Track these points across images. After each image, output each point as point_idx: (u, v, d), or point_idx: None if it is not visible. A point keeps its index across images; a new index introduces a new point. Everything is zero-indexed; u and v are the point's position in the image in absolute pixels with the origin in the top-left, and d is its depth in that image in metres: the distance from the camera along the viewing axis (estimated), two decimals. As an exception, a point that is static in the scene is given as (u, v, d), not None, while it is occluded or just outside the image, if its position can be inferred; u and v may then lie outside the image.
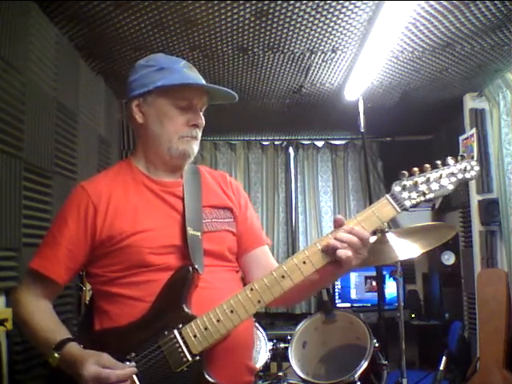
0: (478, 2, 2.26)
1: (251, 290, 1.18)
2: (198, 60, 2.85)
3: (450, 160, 1.20)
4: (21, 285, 1.32)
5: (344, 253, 1.16)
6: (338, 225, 1.21)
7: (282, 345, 2.61)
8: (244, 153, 4.66)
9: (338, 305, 4.10)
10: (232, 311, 1.17)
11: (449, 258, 3.94)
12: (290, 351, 2.56)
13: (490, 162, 3.47)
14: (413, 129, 4.49)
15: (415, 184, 1.19)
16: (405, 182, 1.20)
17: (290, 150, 4.72)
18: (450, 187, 1.20)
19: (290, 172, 4.69)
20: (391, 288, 4.00)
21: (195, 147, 1.34)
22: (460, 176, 1.20)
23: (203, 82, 1.35)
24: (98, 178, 1.36)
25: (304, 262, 1.18)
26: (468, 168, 1.20)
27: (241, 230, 1.41)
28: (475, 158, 3.48)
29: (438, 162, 1.21)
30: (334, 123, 4.27)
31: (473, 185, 3.52)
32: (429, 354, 3.96)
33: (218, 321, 1.17)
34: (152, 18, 2.34)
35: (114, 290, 1.25)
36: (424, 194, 1.19)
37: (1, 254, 1.85)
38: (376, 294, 3.92)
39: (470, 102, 3.59)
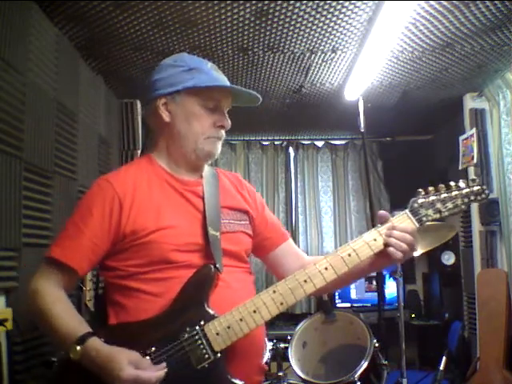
0: (477, 2, 2.26)
1: (274, 292, 1.21)
2: (198, 60, 2.85)
3: (462, 183, 1.31)
4: (37, 274, 1.27)
5: (397, 250, 1.22)
6: (383, 220, 1.27)
7: (282, 345, 2.61)
8: (244, 153, 4.66)
9: (338, 305, 4.11)
10: (255, 311, 1.19)
11: (449, 258, 3.94)
12: (290, 351, 2.56)
13: (490, 161, 3.47)
14: (413, 129, 4.49)
15: (432, 202, 1.28)
16: (422, 200, 1.29)
17: (290, 150, 4.72)
18: (463, 207, 1.29)
19: (290, 172, 4.69)
20: (391, 288, 4.00)
21: (219, 147, 1.38)
22: (472, 198, 1.30)
23: (229, 84, 1.39)
24: (122, 173, 1.35)
25: (326, 268, 1.23)
26: (480, 191, 1.30)
27: (263, 229, 1.45)
28: (475, 158, 3.49)
29: (452, 184, 1.31)
30: (334, 123, 4.27)
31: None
32: (429, 354, 3.96)
33: (240, 320, 1.18)
34: (152, 17, 2.34)
35: (132, 284, 1.24)
36: (440, 212, 1.28)
37: (1, 254, 1.85)
38: (376, 293, 3.93)
39: (470, 102, 3.59)
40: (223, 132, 1.37)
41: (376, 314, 3.66)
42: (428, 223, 1.27)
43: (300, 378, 2.44)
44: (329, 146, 4.80)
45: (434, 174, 4.44)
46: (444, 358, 2.94)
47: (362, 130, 2.81)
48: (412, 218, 1.26)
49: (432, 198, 1.28)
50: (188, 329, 1.18)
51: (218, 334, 1.17)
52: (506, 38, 2.64)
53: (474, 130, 3.51)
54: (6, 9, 1.91)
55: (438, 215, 1.27)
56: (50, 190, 2.26)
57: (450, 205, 1.28)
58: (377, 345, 2.53)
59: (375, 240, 1.25)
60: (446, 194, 1.28)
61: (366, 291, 4.16)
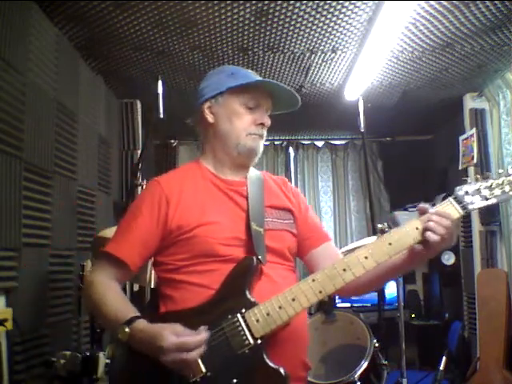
0: (477, 2, 2.26)
1: (313, 280, 1.24)
2: (197, 60, 2.85)
3: (511, 169, 1.27)
4: (93, 268, 1.38)
5: (434, 233, 1.21)
6: (423, 212, 1.26)
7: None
8: (244, 153, 4.66)
9: (338, 305, 4.10)
10: (294, 299, 1.22)
11: (449, 258, 3.94)
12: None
13: (490, 162, 3.47)
14: (413, 129, 4.49)
15: (478, 189, 1.26)
16: (467, 187, 1.26)
17: (290, 149, 4.72)
18: (511, 194, 1.25)
19: (290, 172, 4.69)
20: (391, 288, 4.00)
21: (261, 145, 1.45)
22: None
23: (269, 82, 1.47)
24: (171, 175, 1.45)
25: (366, 257, 1.24)
26: None
27: (305, 229, 1.49)
28: (475, 158, 3.49)
29: (501, 171, 1.27)
30: (334, 123, 4.27)
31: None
32: (429, 354, 3.96)
33: (279, 307, 1.21)
34: (152, 17, 2.34)
35: (179, 277, 1.32)
36: (486, 199, 1.25)
37: (1, 254, 1.85)
38: (376, 293, 3.92)
39: (470, 102, 3.59)
40: (264, 131, 1.44)
41: (376, 314, 3.66)
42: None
43: (300, 377, 2.44)
44: (329, 146, 4.80)
45: (434, 174, 4.45)
46: (444, 358, 2.94)
47: (362, 130, 2.82)
48: (456, 205, 1.25)
49: (478, 184, 1.25)
50: (230, 316, 1.23)
51: (257, 320, 1.21)
52: (506, 38, 2.64)
53: (473, 130, 3.52)
54: (6, 9, 1.91)
55: (484, 202, 1.24)
56: (49, 190, 2.26)
57: (497, 191, 1.25)
58: (377, 345, 2.53)
59: (417, 229, 1.24)
60: (492, 181, 1.25)
61: (366, 291, 4.15)
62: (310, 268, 1.50)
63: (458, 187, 1.26)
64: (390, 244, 1.24)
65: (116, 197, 3.36)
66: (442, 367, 2.89)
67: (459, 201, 1.25)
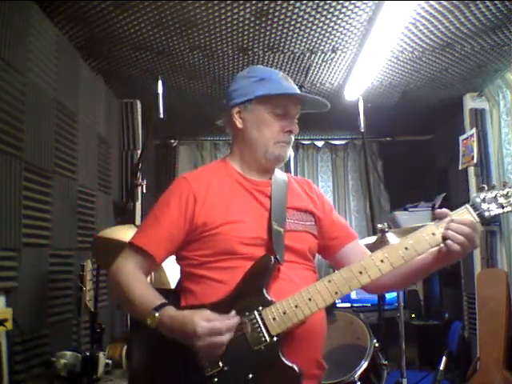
0: (477, 2, 2.26)
1: (329, 281, 1.27)
2: (197, 60, 2.85)
3: None
4: (119, 257, 1.39)
5: (453, 242, 1.21)
6: (442, 216, 1.26)
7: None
8: (244, 153, 4.66)
9: (338, 305, 4.09)
10: (310, 299, 1.25)
11: (449, 258, 3.93)
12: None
13: (490, 161, 3.47)
14: (413, 129, 4.49)
15: (495, 197, 1.26)
16: (485, 194, 1.27)
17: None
18: None
19: (290, 172, 4.68)
20: (391, 288, 3.99)
21: (288, 152, 1.49)
22: None
23: (298, 92, 1.48)
24: (198, 172, 1.49)
25: (382, 261, 1.25)
26: None
27: (331, 229, 1.52)
28: (475, 158, 3.49)
29: None
30: (334, 123, 4.27)
31: (473, 185, 3.52)
32: (429, 354, 3.96)
33: (296, 306, 1.25)
34: (152, 17, 2.34)
35: (201, 272, 1.35)
36: (502, 207, 1.26)
37: (1, 254, 1.85)
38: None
39: (470, 102, 3.59)
40: (292, 137, 1.48)
41: (376, 314, 3.66)
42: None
43: (300, 377, 2.44)
44: (329, 146, 4.80)
45: (434, 174, 4.45)
46: (444, 358, 2.93)
47: (362, 130, 2.82)
48: (472, 213, 1.25)
49: (495, 192, 1.26)
50: (247, 313, 1.25)
51: (274, 318, 1.24)
52: (506, 38, 2.64)
53: (473, 130, 3.51)
54: (6, 9, 1.91)
55: (500, 210, 1.25)
56: (49, 190, 2.26)
57: None
58: (377, 345, 2.52)
59: (433, 234, 1.25)
60: (509, 189, 1.26)
61: (366, 291, 4.15)
62: (341, 267, 1.49)
63: (474, 194, 1.28)
64: (406, 248, 1.25)
65: (116, 197, 3.36)
66: (442, 367, 2.89)
67: (476, 208, 1.26)
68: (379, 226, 2.47)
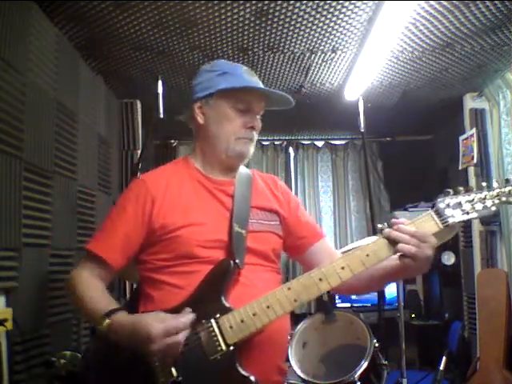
0: (477, 2, 2.26)
1: (289, 289, 1.22)
2: (197, 60, 2.85)
3: (495, 183, 1.24)
4: (77, 266, 1.36)
5: (402, 246, 1.19)
6: (395, 228, 1.24)
7: (282, 345, 2.61)
8: (244, 153, 4.66)
9: (338, 305, 4.10)
10: (268, 307, 1.21)
11: (449, 258, 3.94)
12: (290, 351, 2.56)
13: (490, 161, 3.47)
14: (413, 129, 4.49)
15: (460, 203, 1.23)
16: (449, 200, 1.23)
17: (290, 150, 4.72)
18: (493, 209, 1.23)
19: (290, 172, 4.69)
20: (391, 288, 3.99)
21: (251, 149, 1.41)
22: (503, 199, 1.22)
23: (262, 86, 1.42)
24: (157, 172, 1.44)
25: (342, 268, 1.22)
26: None
27: (298, 228, 1.48)
28: (475, 158, 3.49)
29: (484, 184, 1.24)
30: (334, 123, 4.27)
31: (473, 185, 3.51)
32: (429, 354, 3.96)
33: (254, 314, 1.20)
34: (152, 17, 2.34)
35: (159, 277, 1.31)
36: (467, 213, 1.22)
37: (1, 254, 1.85)
38: (376, 293, 3.92)
39: (470, 102, 3.59)
40: (254, 133, 1.41)
41: (376, 314, 3.66)
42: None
43: (300, 378, 2.44)
44: (329, 145, 4.80)
45: (434, 174, 4.45)
46: (444, 358, 2.94)
47: (362, 130, 2.82)
48: (436, 219, 1.22)
49: (460, 198, 1.22)
50: (204, 321, 1.21)
51: (231, 327, 1.20)
52: (506, 38, 2.64)
53: (473, 130, 3.51)
54: (6, 9, 1.91)
55: (465, 216, 1.22)
56: (49, 190, 2.26)
57: (478, 206, 1.21)
58: (377, 345, 2.53)
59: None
60: (475, 195, 1.22)
61: (366, 291, 4.15)
62: (309, 266, 1.46)
63: (439, 199, 1.23)
64: (367, 255, 1.22)
65: (116, 197, 3.35)
66: (442, 367, 2.89)
67: (440, 214, 1.22)
68: (379, 225, 2.46)
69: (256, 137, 1.42)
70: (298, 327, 2.72)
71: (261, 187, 1.48)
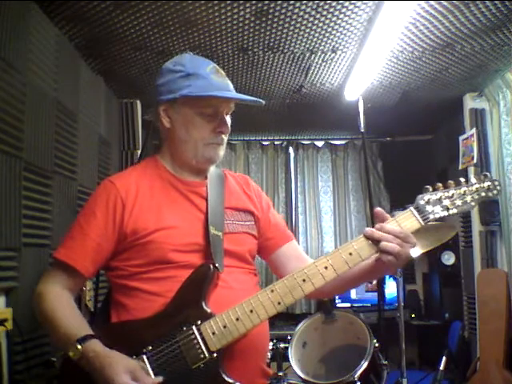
0: (477, 2, 2.26)
1: (272, 291, 1.19)
2: (198, 60, 2.85)
3: (473, 178, 1.24)
4: (43, 276, 1.29)
5: (385, 245, 1.17)
6: (380, 220, 1.23)
7: (282, 345, 2.61)
8: (244, 153, 4.66)
9: (338, 305, 4.10)
10: (252, 311, 1.18)
11: (449, 258, 3.94)
12: (290, 351, 2.56)
13: (490, 161, 3.47)
14: (413, 129, 4.49)
15: (439, 199, 1.22)
16: (429, 196, 1.23)
17: (290, 150, 4.71)
18: (473, 204, 1.23)
19: (290, 172, 4.69)
20: (391, 288, 4.00)
21: (221, 152, 1.36)
22: (483, 194, 1.23)
23: (230, 87, 1.36)
24: (126, 174, 1.38)
25: (326, 268, 1.20)
26: (491, 187, 1.24)
27: (268, 229, 1.44)
28: (475, 158, 3.49)
29: (462, 180, 1.24)
30: (334, 123, 4.27)
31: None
32: (429, 354, 3.96)
33: (237, 319, 1.17)
34: (152, 17, 2.34)
35: (133, 284, 1.25)
36: (447, 209, 1.22)
37: (1, 254, 1.85)
38: (376, 294, 3.92)
39: (470, 102, 3.59)
40: (224, 137, 1.35)
41: (376, 314, 3.66)
42: (430, 222, 1.22)
43: (300, 378, 2.44)
44: (329, 145, 4.79)
45: (433, 174, 4.45)
46: (444, 358, 2.93)
47: (362, 130, 2.81)
48: (417, 216, 1.21)
49: (440, 194, 1.22)
50: (184, 328, 1.17)
51: (213, 333, 1.16)
52: (506, 38, 2.64)
53: (473, 130, 3.51)
54: (6, 9, 1.91)
55: (445, 212, 1.21)
56: (49, 190, 2.26)
57: (458, 202, 1.22)
58: (377, 345, 2.53)
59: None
60: (454, 191, 1.22)
61: (366, 291, 4.16)
62: (275, 269, 1.45)
63: (419, 196, 1.23)
64: (350, 254, 1.20)
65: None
66: (442, 367, 2.89)
67: (420, 210, 1.21)
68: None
69: (226, 138, 1.36)
70: (298, 327, 2.72)
71: (233, 187, 1.44)
